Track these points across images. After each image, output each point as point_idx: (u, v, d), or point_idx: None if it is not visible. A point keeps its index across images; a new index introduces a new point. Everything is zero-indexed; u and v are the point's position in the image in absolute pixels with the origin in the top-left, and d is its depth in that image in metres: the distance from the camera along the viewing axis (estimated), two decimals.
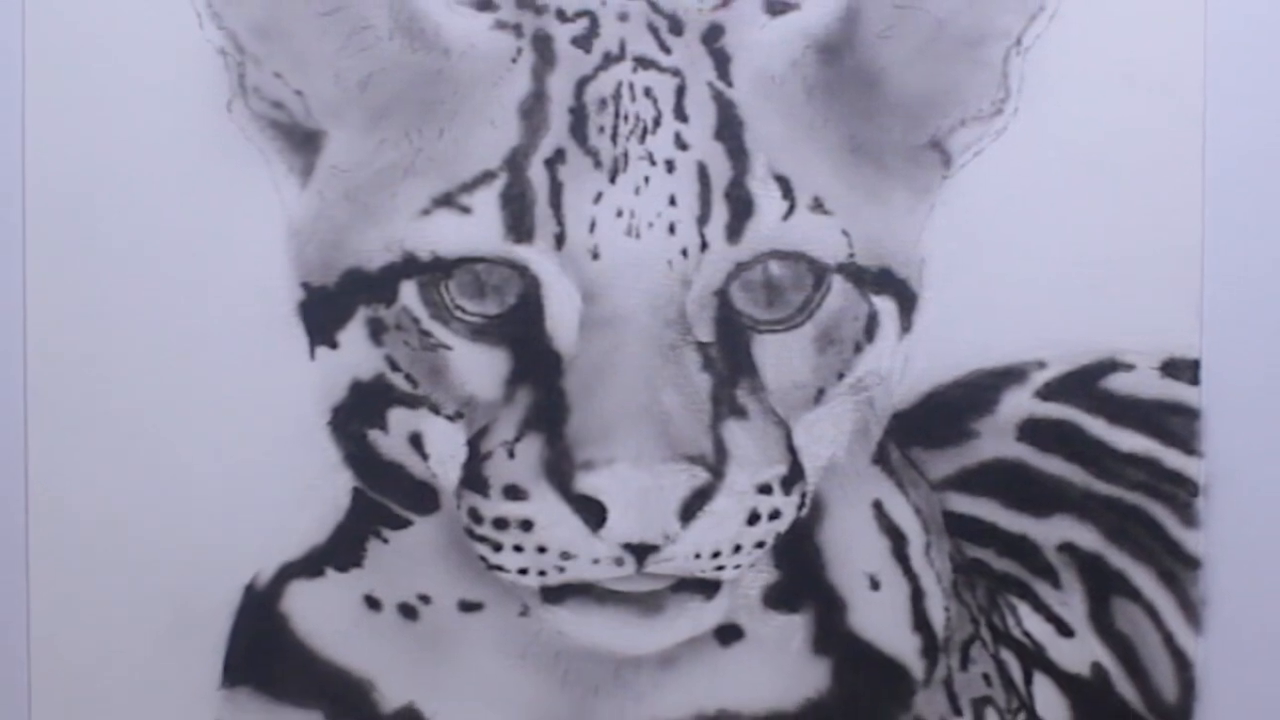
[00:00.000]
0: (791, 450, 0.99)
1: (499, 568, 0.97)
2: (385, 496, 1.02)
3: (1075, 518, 1.05)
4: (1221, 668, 1.04)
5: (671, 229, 0.96)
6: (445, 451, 0.99)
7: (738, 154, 0.98)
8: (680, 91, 0.97)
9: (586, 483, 0.95)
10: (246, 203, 1.01)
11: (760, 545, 0.99)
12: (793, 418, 0.99)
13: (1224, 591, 1.04)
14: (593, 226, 0.96)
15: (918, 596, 1.04)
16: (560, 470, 0.95)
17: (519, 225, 0.97)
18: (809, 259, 0.98)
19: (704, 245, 0.96)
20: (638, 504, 0.95)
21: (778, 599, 1.02)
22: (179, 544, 1.03)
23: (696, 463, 0.96)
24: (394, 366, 0.99)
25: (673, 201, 0.96)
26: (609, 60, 0.98)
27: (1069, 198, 1.02)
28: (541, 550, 0.96)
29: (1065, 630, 1.05)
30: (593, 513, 0.95)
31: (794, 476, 0.99)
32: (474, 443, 0.98)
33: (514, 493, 0.96)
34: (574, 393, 0.96)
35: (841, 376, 1.00)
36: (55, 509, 1.04)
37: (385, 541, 1.02)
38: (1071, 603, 1.05)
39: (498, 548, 0.97)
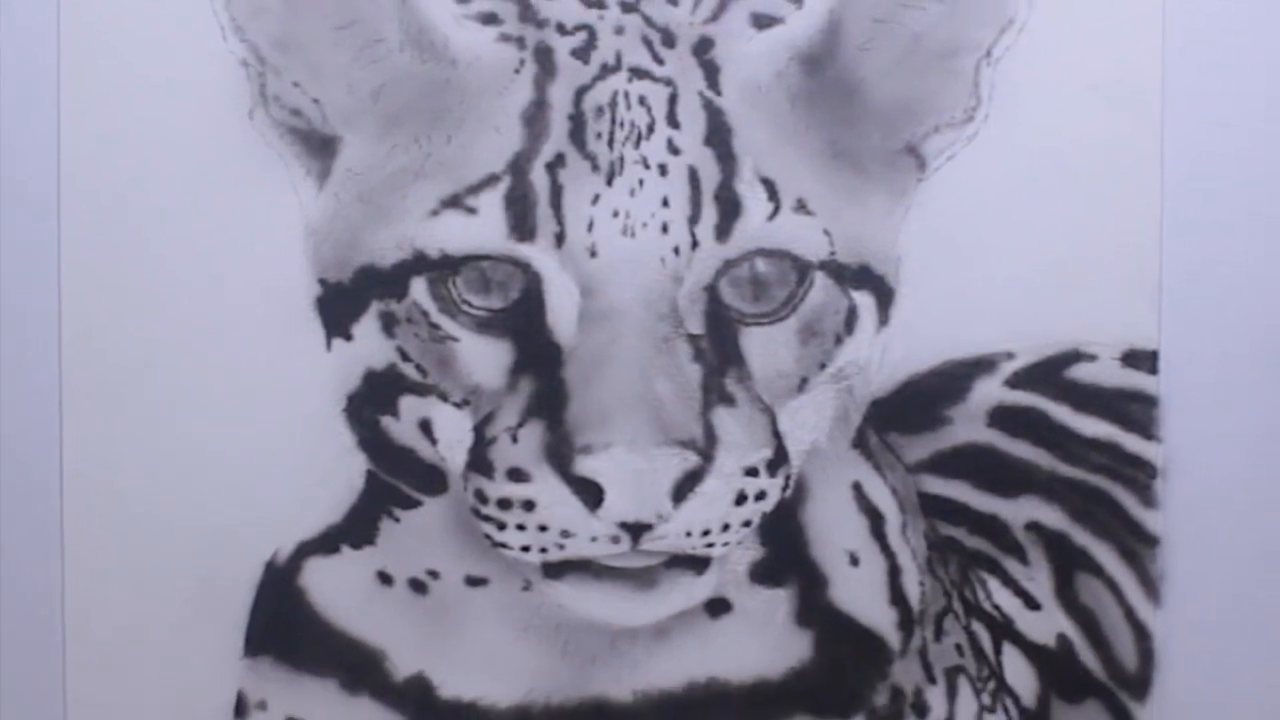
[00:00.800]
0: (776, 435, 1.02)
1: (503, 545, 1.00)
2: (397, 479, 1.04)
3: (1042, 498, 1.08)
4: (1179, 639, 1.06)
5: (664, 228, 0.99)
6: (453, 436, 1.01)
7: (726, 159, 1.00)
8: (672, 100, 1.00)
9: (585, 465, 0.97)
10: (267, 204, 1.04)
11: (747, 524, 1.01)
12: (777, 405, 1.02)
13: (1181, 568, 1.06)
14: (591, 226, 0.99)
15: (894, 572, 1.07)
16: (560, 454, 0.98)
17: (522, 225, 0.99)
18: (793, 257, 1.00)
19: (695, 244, 0.99)
20: (633, 485, 0.98)
21: (763, 574, 1.05)
22: (204, 523, 1.05)
23: (688, 447, 0.98)
24: (405, 357, 1.01)
25: (665, 203, 0.99)
26: (606, 71, 1.00)
27: (1036, 199, 1.05)
28: (543, 529, 0.99)
29: (1032, 604, 1.08)
30: (591, 494, 0.98)
31: (779, 460, 1.02)
32: (480, 428, 1.01)
33: (517, 475, 0.99)
34: (573, 382, 0.99)
35: (823, 366, 1.03)
36: (89, 490, 1.06)
37: (397, 521, 1.05)
38: (1038, 578, 1.08)
39: (502, 526, 1.00)
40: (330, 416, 1.04)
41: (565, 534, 0.99)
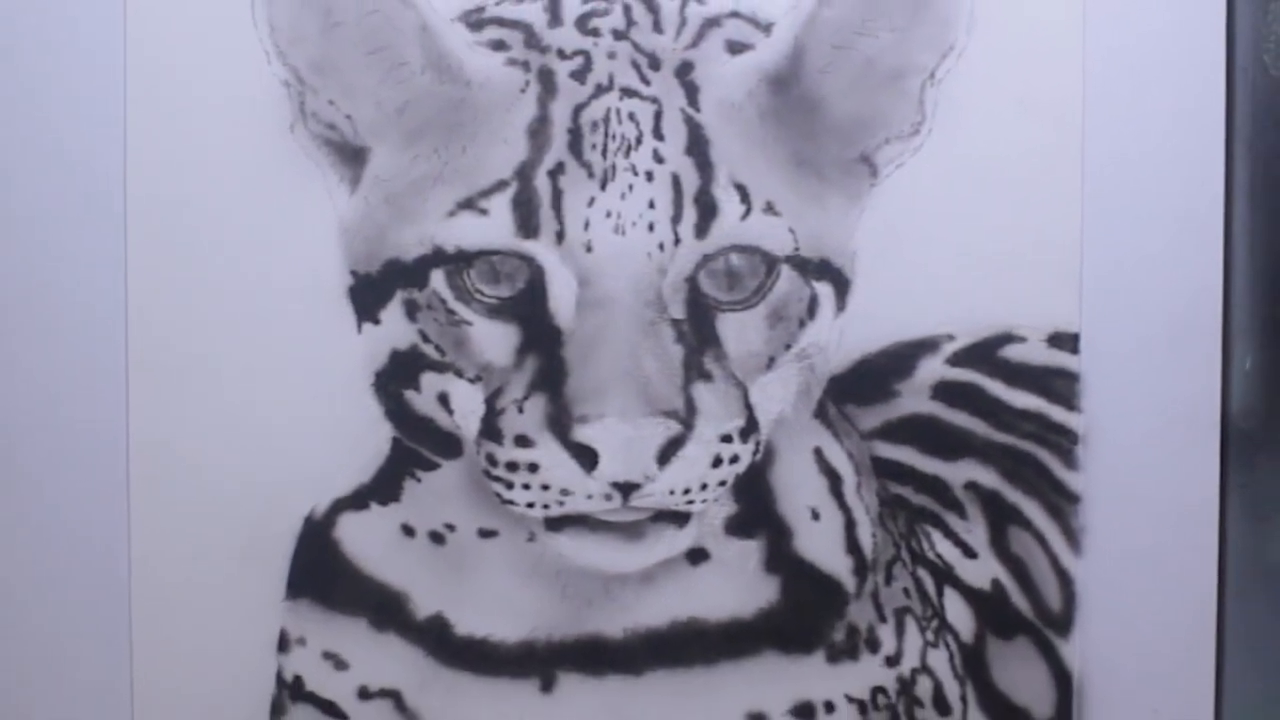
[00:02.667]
0: (748, 407, 1.06)
1: (510, 502, 1.05)
2: (418, 444, 1.08)
3: (978, 461, 1.11)
4: (1097, 584, 1.10)
5: (651, 227, 1.03)
6: (467, 408, 1.05)
7: (704, 167, 1.04)
8: (658, 116, 1.04)
9: (582, 433, 1.02)
10: (306, 206, 1.07)
11: (723, 484, 1.06)
12: (749, 380, 1.06)
13: (1099, 522, 1.10)
14: (587, 225, 1.03)
15: (850, 525, 1.10)
16: (560, 423, 1.03)
17: (527, 224, 1.03)
18: (762, 252, 1.05)
19: (677, 240, 1.03)
20: (624, 450, 1.03)
21: (737, 527, 1.09)
22: (251, 482, 1.09)
23: (671, 417, 1.03)
24: (425, 339, 1.05)
25: (652, 205, 1.03)
26: (600, 90, 1.04)
27: (973, 201, 1.08)
28: (545, 488, 1.04)
29: (970, 553, 1.11)
30: (587, 458, 1.03)
31: (750, 428, 1.06)
32: (490, 401, 1.05)
33: (523, 441, 1.03)
34: (572, 360, 1.03)
35: (788, 347, 1.07)
36: (152, 455, 1.09)
37: (418, 481, 1.08)
38: (975, 531, 1.11)
39: (509, 486, 1.05)
40: (361, 390, 1.07)
41: (565, 492, 1.04)
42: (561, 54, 1.05)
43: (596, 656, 1.09)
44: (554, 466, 1.03)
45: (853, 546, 1.10)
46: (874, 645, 1.10)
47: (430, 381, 1.06)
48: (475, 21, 1.05)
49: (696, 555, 1.09)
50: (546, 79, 1.04)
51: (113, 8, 1.07)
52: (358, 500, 1.09)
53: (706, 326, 1.05)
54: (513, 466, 1.04)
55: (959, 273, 1.09)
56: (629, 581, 1.09)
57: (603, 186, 1.04)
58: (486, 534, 1.09)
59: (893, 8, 1.05)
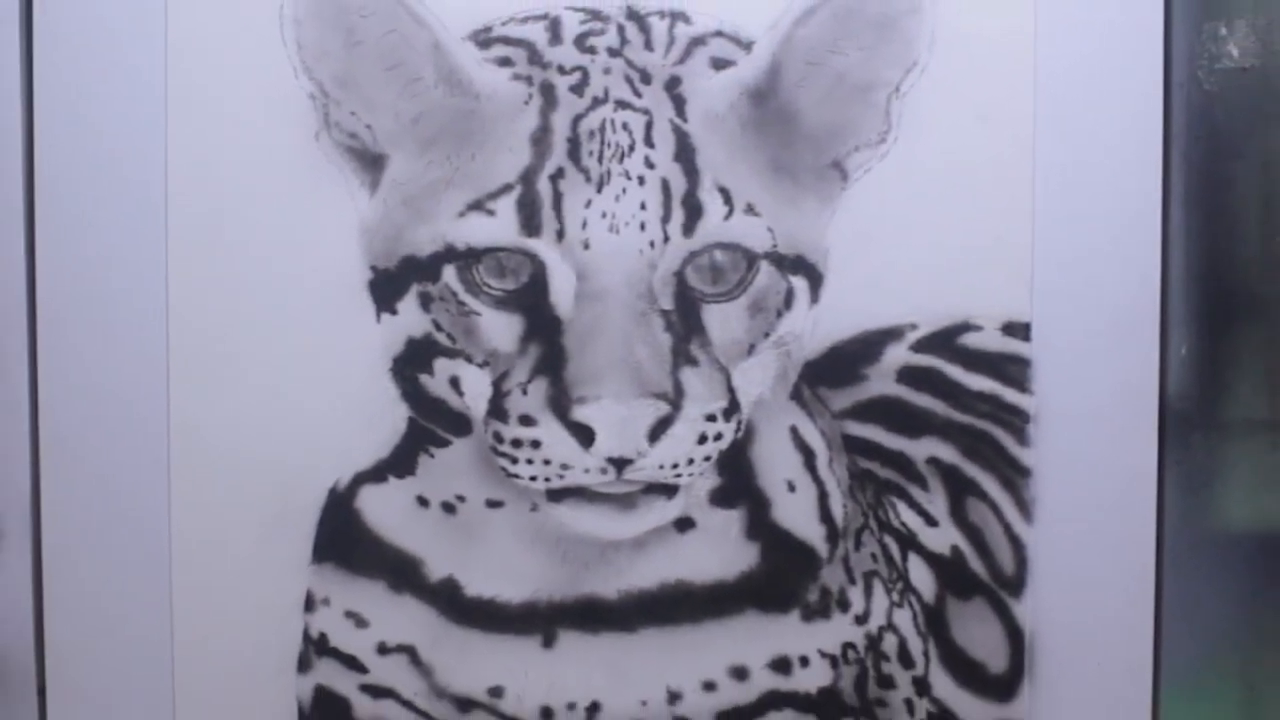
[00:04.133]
0: (731, 389, 1.07)
1: (515, 476, 1.07)
2: (432, 423, 1.09)
3: (939, 438, 1.11)
4: (1046, 549, 1.11)
5: (642, 227, 1.05)
6: (476, 390, 1.07)
7: (691, 172, 1.06)
8: (649, 126, 1.06)
9: (580, 413, 1.04)
10: (330, 207, 1.08)
11: (708, 459, 1.08)
12: (731, 365, 1.07)
13: (1048, 493, 1.11)
14: (584, 225, 1.05)
15: (823, 497, 1.11)
16: (561, 404, 1.04)
17: (530, 224, 1.05)
18: (743, 249, 1.06)
19: (666, 239, 1.05)
20: (618, 429, 1.05)
21: (720, 498, 1.10)
22: (281, 458, 1.10)
23: (661, 398, 1.05)
24: (438, 327, 1.07)
25: (643, 206, 1.05)
26: (596, 103, 1.06)
27: (935, 203, 1.09)
28: (547, 463, 1.06)
29: (931, 522, 1.12)
30: (585, 435, 1.04)
31: (732, 408, 1.07)
32: (497, 384, 1.06)
33: (526, 420, 1.05)
34: (571, 347, 1.05)
35: (767, 335, 1.08)
36: (190, 432, 1.10)
37: (432, 456, 1.09)
38: (936, 501, 1.12)
39: (514, 461, 1.06)
40: (379, 375, 1.08)
41: (564, 467, 1.06)
42: (561, 69, 1.06)
43: (593, 615, 1.10)
44: (555, 443, 1.05)
45: (825, 516, 1.11)
46: (844, 605, 1.10)
47: (443, 366, 1.07)
48: (483, 40, 1.07)
49: (684, 524, 1.10)
50: (548, 92, 1.06)
51: (155, 29, 1.08)
52: (377, 474, 1.10)
53: (693, 317, 1.06)
54: (517, 443, 1.06)
55: (922, 268, 1.09)
56: (623, 547, 1.10)
57: (599, 190, 1.05)
58: (493, 504, 1.09)
59: (862, 28, 1.06)
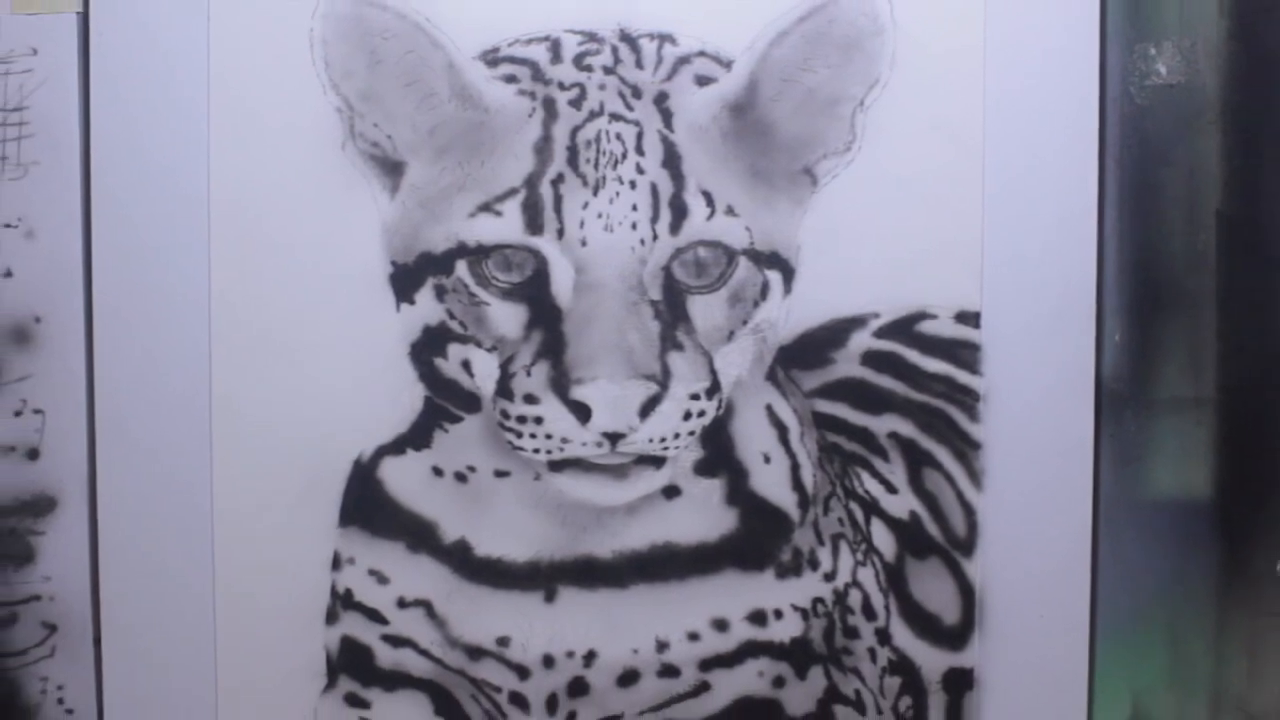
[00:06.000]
0: (713, 371, 1.09)
1: (520, 449, 1.09)
2: (446, 402, 1.11)
3: (899, 415, 1.13)
4: (994, 514, 1.13)
5: (634, 226, 1.07)
6: (485, 372, 1.09)
7: (677, 177, 1.08)
8: (640, 136, 1.08)
9: (578, 393, 1.07)
10: (354, 209, 1.10)
11: (692, 433, 1.10)
12: (713, 350, 1.09)
13: (996, 464, 1.13)
14: (582, 224, 1.07)
15: (795, 468, 1.13)
16: (561, 384, 1.07)
17: (534, 223, 1.07)
18: (724, 246, 1.08)
19: (655, 237, 1.07)
20: (612, 407, 1.07)
21: (703, 468, 1.12)
22: (311, 433, 1.11)
23: (650, 379, 1.07)
24: (451, 316, 1.09)
25: (634, 208, 1.07)
26: (593, 115, 1.08)
27: (894, 205, 1.11)
28: (548, 437, 1.08)
29: (892, 490, 1.14)
30: (582, 412, 1.07)
31: (714, 388, 1.09)
32: (504, 366, 1.08)
33: (530, 399, 1.07)
34: (570, 333, 1.07)
35: (745, 323, 1.10)
36: (231, 409, 1.12)
37: (446, 431, 1.11)
38: (896, 472, 1.14)
39: (519, 435, 1.09)
40: (399, 358, 1.10)
41: (564, 441, 1.08)
42: (561, 86, 1.08)
43: (589, 573, 1.12)
44: (555, 419, 1.07)
45: (797, 484, 1.13)
46: (814, 564, 1.12)
47: (455, 351, 1.09)
48: (492, 59, 1.09)
49: (671, 491, 1.12)
50: (549, 106, 1.08)
51: (199, 53, 1.10)
52: (397, 447, 1.12)
53: (679, 306, 1.08)
54: (522, 419, 1.08)
55: (883, 262, 1.11)
56: (616, 512, 1.12)
57: (595, 193, 1.07)
58: (501, 474, 1.11)
59: (830, 49, 1.09)
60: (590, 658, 1.13)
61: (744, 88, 1.09)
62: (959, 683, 1.14)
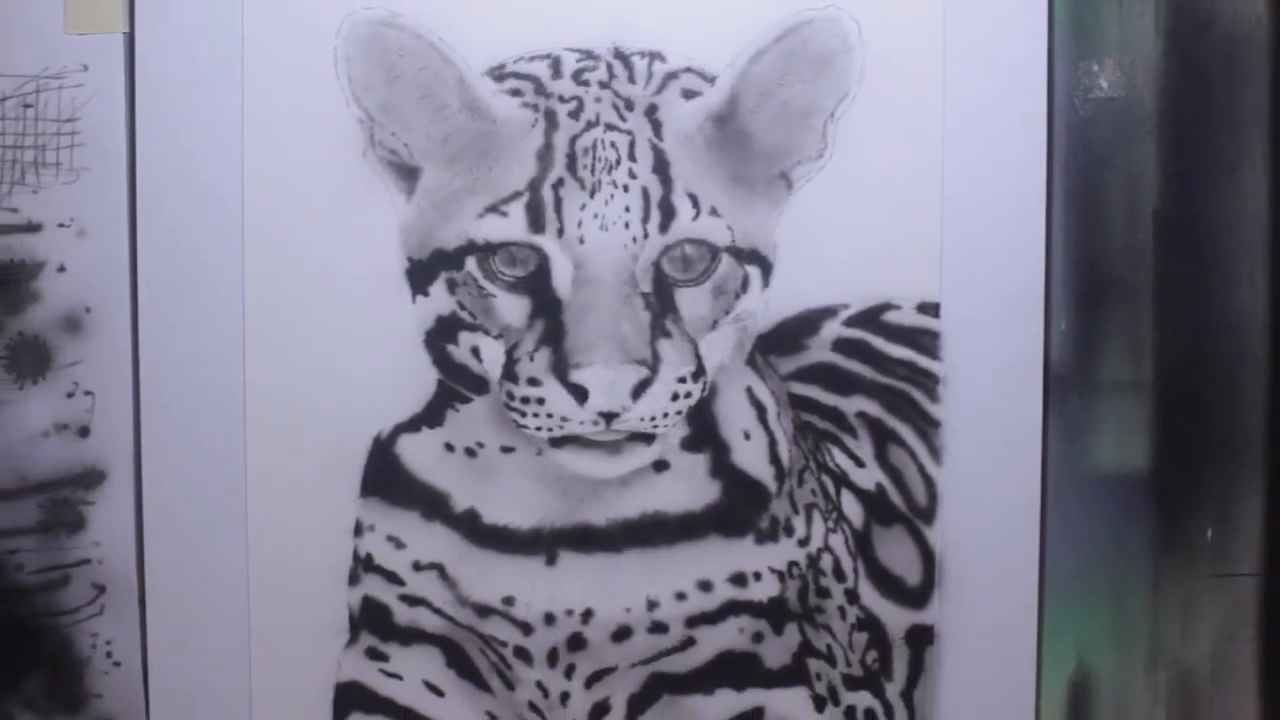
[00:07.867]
0: (698, 357, 1.13)
1: (524, 426, 1.13)
2: (457, 384, 1.15)
3: (866, 396, 1.18)
4: (953, 485, 1.18)
5: (627, 225, 1.12)
6: (492, 358, 1.13)
7: (666, 181, 1.12)
8: (632, 144, 1.12)
9: (576, 376, 1.11)
10: (374, 210, 1.15)
11: (679, 413, 1.14)
12: (698, 337, 1.14)
13: (954, 440, 1.18)
14: (580, 224, 1.12)
15: (773, 444, 1.17)
16: (561, 369, 1.11)
17: (536, 223, 1.11)
18: (708, 243, 1.13)
19: (646, 235, 1.11)
20: (607, 389, 1.11)
21: (690, 444, 1.16)
22: (335, 412, 1.16)
23: (642, 364, 1.11)
24: (462, 307, 1.13)
25: (627, 209, 1.11)
26: (590, 125, 1.12)
27: (862, 206, 1.16)
28: (549, 416, 1.12)
29: (860, 463, 1.18)
30: (580, 394, 1.11)
31: (699, 372, 1.14)
32: (509, 352, 1.12)
33: (533, 382, 1.12)
34: (569, 323, 1.11)
35: (728, 313, 1.14)
36: (263, 392, 1.17)
37: (457, 411, 1.16)
38: (864, 447, 1.18)
39: (523, 414, 1.13)
40: (415, 345, 1.15)
41: (564, 419, 1.12)
42: (561, 99, 1.13)
43: (587, 539, 1.17)
44: (556, 400, 1.12)
45: (774, 459, 1.17)
46: (789, 531, 1.17)
47: (466, 339, 1.14)
48: (498, 75, 1.13)
49: (660, 465, 1.16)
50: (550, 117, 1.13)
51: (233, 69, 1.15)
52: (413, 425, 1.16)
53: (667, 298, 1.12)
54: (526, 400, 1.12)
55: (852, 259, 1.16)
56: (611, 484, 1.16)
57: (591, 195, 1.12)
58: (506, 450, 1.16)
59: (804, 66, 1.13)
60: (587, 615, 1.17)
61: (726, 101, 1.14)
62: (921, 638, 1.19)
